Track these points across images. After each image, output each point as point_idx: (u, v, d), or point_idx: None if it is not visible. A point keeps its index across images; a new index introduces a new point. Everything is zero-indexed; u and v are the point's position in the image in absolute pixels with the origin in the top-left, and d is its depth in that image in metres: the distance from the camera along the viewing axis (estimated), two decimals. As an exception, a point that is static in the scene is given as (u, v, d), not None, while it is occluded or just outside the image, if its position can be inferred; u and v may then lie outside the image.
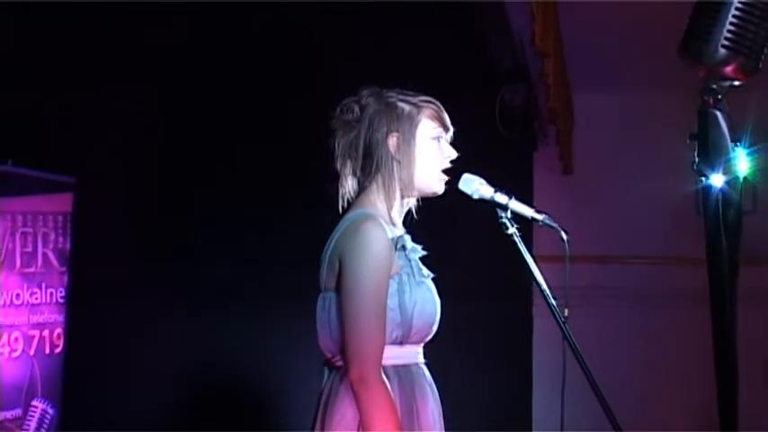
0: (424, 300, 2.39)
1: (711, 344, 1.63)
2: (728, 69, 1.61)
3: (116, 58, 4.25)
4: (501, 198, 2.45)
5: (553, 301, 2.39)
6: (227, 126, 4.56)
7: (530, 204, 2.49)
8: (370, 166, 2.46)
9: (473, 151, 2.57)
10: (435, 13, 4.34)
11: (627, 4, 4.63)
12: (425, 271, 2.45)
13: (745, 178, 1.65)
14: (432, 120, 2.48)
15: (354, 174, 2.49)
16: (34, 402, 4.18)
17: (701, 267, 1.78)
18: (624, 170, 6.21)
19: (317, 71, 4.41)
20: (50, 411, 4.26)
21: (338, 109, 2.50)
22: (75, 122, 4.21)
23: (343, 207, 2.48)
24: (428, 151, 2.47)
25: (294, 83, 4.48)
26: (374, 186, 2.46)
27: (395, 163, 2.45)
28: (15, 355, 4.09)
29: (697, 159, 1.60)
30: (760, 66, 1.63)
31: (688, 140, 1.63)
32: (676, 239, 5.86)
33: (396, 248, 2.37)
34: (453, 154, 2.50)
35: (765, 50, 1.62)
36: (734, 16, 1.58)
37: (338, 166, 2.49)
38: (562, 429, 2.49)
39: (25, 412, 4.14)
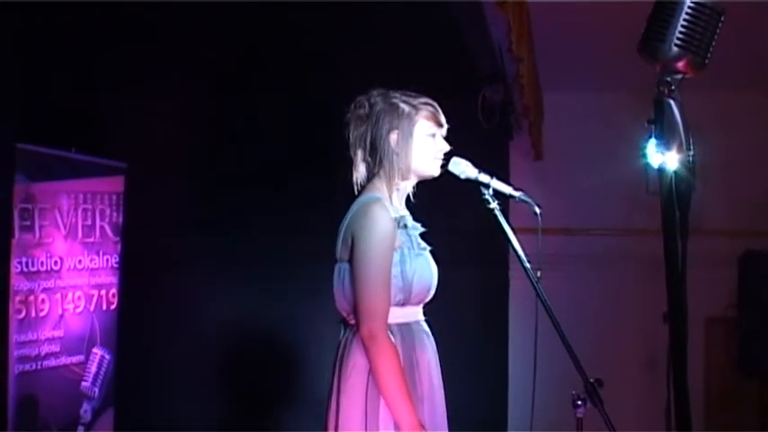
0: (422, 268, 2.40)
1: (659, 300, 1.62)
2: (680, 64, 1.61)
3: (158, 63, 4.24)
4: (484, 178, 2.45)
5: (528, 265, 2.39)
6: (256, 121, 4.54)
7: (508, 182, 2.48)
8: (375, 157, 2.46)
9: (459, 140, 2.56)
10: (427, 26, 4.32)
11: (590, 19, 4.62)
12: (423, 244, 2.46)
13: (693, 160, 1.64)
14: (428, 120, 2.47)
15: (365, 161, 2.49)
16: (94, 350, 4.19)
17: (650, 237, 1.76)
18: (586, 156, 6.19)
19: (321, 73, 4.37)
20: (107, 357, 4.27)
21: (352, 105, 2.50)
22: (126, 116, 4.21)
23: (357, 191, 2.48)
24: (423, 146, 2.46)
25: (301, 84, 4.46)
26: (379, 174, 2.46)
27: (395, 155, 2.44)
28: (78, 310, 4.09)
29: (654, 141, 1.59)
30: (706, 62, 1.62)
31: (646, 124, 1.62)
32: (630, 214, 5.86)
33: (398, 226, 2.38)
34: (446, 148, 2.50)
35: (711, 49, 1.61)
36: (684, 20, 1.58)
37: (351, 154, 2.50)
38: (535, 371, 2.49)
39: (87, 357, 4.15)
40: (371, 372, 2.30)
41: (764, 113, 5.82)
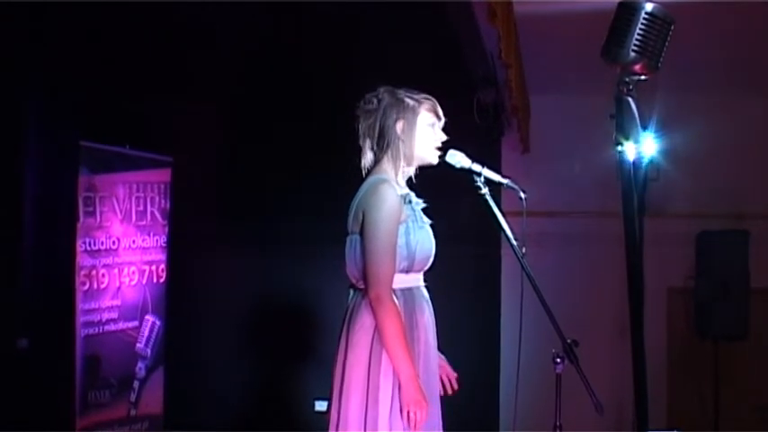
0: (423, 240, 2.39)
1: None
2: (637, 67, 1.62)
3: (197, 71, 4.26)
4: (476, 167, 2.45)
5: (514, 243, 2.40)
6: (282, 118, 4.55)
7: (498, 172, 2.49)
8: (383, 143, 2.44)
9: (458, 136, 2.57)
10: (429, 37, 4.32)
11: (571, 31, 4.59)
12: (425, 219, 2.45)
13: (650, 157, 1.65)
14: (429, 112, 2.48)
15: (372, 149, 2.48)
16: (146, 316, 4.24)
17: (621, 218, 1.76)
18: (567, 149, 6.16)
19: (336, 81, 4.37)
20: (158, 323, 4.32)
21: (361, 101, 2.49)
22: (172, 117, 4.23)
23: (365, 174, 2.48)
24: (424, 134, 2.46)
25: (315, 86, 4.45)
26: (386, 159, 2.45)
27: (400, 141, 2.44)
28: (133, 283, 4.14)
29: (614, 133, 1.60)
30: (659, 65, 1.63)
31: (609, 118, 1.63)
32: (604, 198, 5.83)
33: (404, 202, 2.37)
34: (443, 137, 2.50)
35: (663, 54, 1.62)
36: (640, 29, 1.59)
37: (361, 143, 2.49)
38: (520, 333, 2.51)
39: (140, 323, 4.20)
40: (377, 329, 2.30)
41: (719, 112, 5.79)
